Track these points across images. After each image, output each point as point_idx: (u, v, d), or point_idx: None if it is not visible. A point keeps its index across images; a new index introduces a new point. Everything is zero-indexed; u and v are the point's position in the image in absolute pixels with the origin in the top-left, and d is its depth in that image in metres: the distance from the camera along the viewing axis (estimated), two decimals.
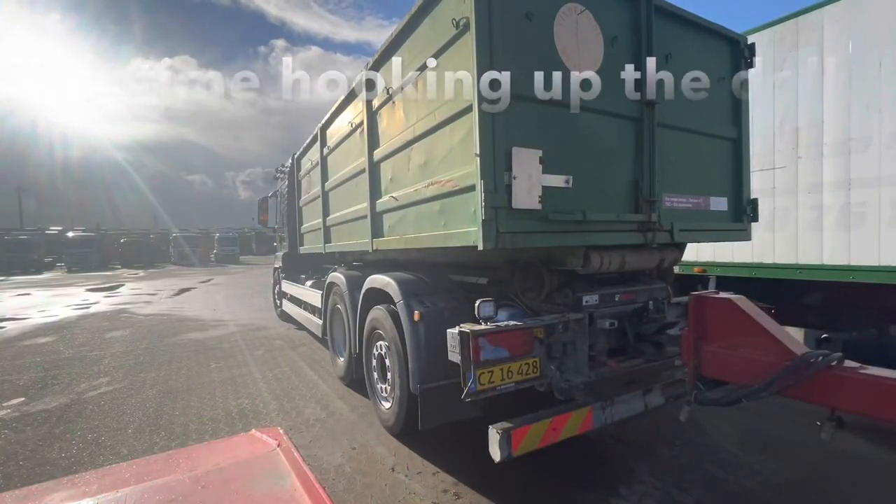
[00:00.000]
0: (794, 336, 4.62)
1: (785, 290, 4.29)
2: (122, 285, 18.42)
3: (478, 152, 2.17)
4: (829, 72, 3.87)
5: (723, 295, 2.36)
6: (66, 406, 4.36)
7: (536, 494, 2.71)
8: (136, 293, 15.28)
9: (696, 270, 4.95)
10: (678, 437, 3.37)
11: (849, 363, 1.92)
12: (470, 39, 2.21)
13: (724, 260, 4.76)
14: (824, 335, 4.33)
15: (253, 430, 1.55)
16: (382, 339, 3.51)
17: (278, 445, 1.36)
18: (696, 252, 4.90)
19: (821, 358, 1.90)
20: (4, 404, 4.45)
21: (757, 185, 4.29)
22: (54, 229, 40.81)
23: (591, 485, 2.78)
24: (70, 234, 35.00)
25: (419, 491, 2.77)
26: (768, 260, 4.38)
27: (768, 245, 4.36)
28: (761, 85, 4.26)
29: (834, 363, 1.90)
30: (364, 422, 3.76)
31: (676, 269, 5.08)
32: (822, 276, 3.98)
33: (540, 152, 2.31)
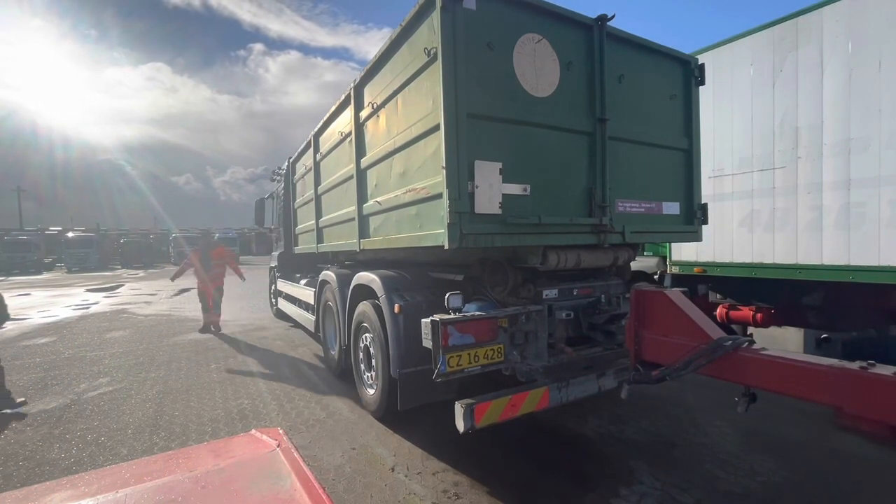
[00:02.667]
0: (795, 336, 4.84)
1: (785, 290, 4.34)
2: (122, 285, 18.64)
3: (444, 165, 2.51)
4: (829, 72, 3.86)
5: (659, 289, 2.70)
6: (66, 406, 4.39)
7: (536, 494, 2.75)
8: (135, 293, 15.51)
9: (696, 270, 5.02)
10: (678, 437, 3.39)
11: (756, 347, 2.27)
12: (438, 67, 2.55)
13: (724, 260, 4.77)
14: (824, 335, 4.52)
15: (253, 431, 1.55)
16: (368, 331, 3.84)
17: (278, 446, 1.36)
18: (697, 252, 4.95)
19: (730, 342, 2.23)
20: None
21: (757, 185, 4.42)
22: (54, 229, 41.06)
23: (591, 485, 2.81)
24: (70, 234, 35.22)
25: (419, 491, 2.80)
26: (768, 260, 4.37)
27: (768, 245, 4.37)
28: (761, 85, 4.34)
29: (743, 346, 2.25)
30: (364, 422, 3.83)
31: (676, 270, 5.27)
32: (821, 277, 3.96)
33: (500, 165, 2.66)
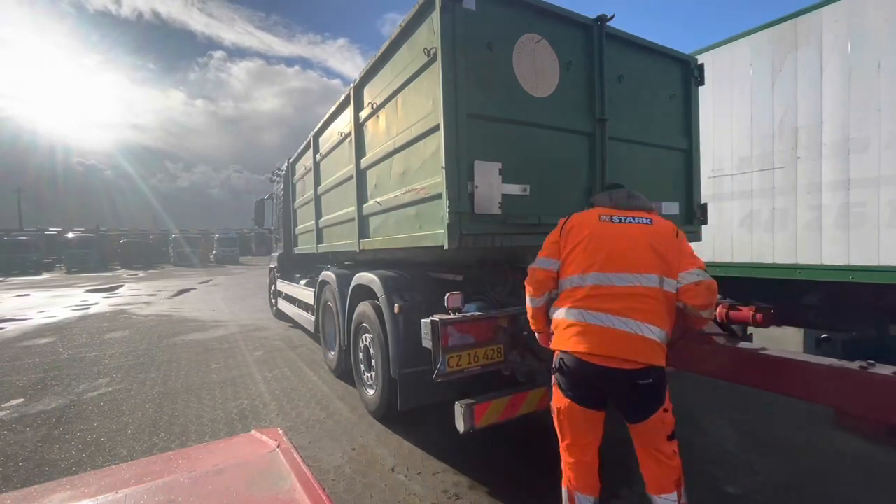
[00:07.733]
0: (795, 336, 4.78)
1: (785, 290, 4.33)
2: (122, 286, 18.59)
3: (444, 165, 2.51)
4: (829, 72, 3.87)
5: None
6: (66, 407, 4.39)
7: (536, 495, 2.73)
8: (135, 294, 15.48)
9: None
10: (678, 437, 3.40)
11: (756, 347, 2.27)
12: (438, 67, 2.55)
13: (723, 260, 4.79)
14: (824, 335, 4.46)
15: (252, 431, 1.55)
16: (368, 331, 3.84)
17: (278, 446, 1.37)
18: (696, 252, 4.99)
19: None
20: (4, 405, 4.48)
21: (757, 185, 4.43)
22: (53, 230, 41.03)
23: None
24: (69, 234, 35.17)
25: (419, 492, 2.79)
26: (768, 260, 4.38)
27: (768, 245, 4.39)
28: (760, 85, 4.35)
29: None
30: (364, 422, 3.82)
31: None
32: (821, 276, 3.97)
33: (500, 165, 2.66)
